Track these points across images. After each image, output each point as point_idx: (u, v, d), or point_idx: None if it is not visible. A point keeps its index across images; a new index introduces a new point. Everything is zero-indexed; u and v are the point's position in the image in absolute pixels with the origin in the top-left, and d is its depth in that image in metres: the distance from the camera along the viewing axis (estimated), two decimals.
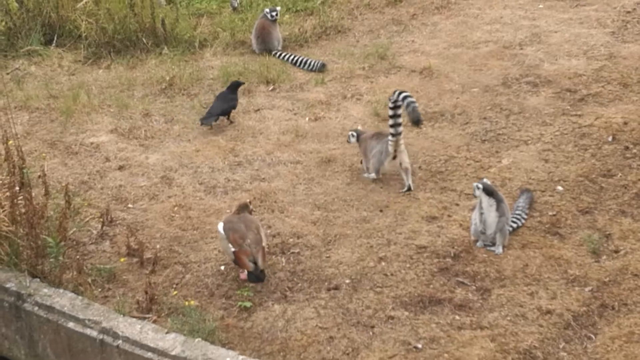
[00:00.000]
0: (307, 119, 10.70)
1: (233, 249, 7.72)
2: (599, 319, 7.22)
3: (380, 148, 9.09)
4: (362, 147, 9.38)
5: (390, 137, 8.92)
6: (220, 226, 7.92)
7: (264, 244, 7.81)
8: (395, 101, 8.85)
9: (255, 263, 7.65)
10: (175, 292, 7.77)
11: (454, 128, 10.27)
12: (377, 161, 9.12)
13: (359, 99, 11.11)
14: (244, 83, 11.12)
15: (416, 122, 9.60)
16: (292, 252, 8.20)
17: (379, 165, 9.16)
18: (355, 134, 9.46)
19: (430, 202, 8.79)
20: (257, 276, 7.69)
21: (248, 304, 7.52)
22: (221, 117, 10.60)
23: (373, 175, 9.25)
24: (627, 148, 9.48)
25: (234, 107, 10.73)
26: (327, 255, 8.16)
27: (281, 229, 8.53)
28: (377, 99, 10.89)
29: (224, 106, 10.65)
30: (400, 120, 8.91)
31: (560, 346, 6.97)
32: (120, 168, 9.76)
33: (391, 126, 8.92)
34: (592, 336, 7.05)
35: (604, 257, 7.90)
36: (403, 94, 8.98)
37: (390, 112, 8.89)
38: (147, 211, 8.94)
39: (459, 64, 11.91)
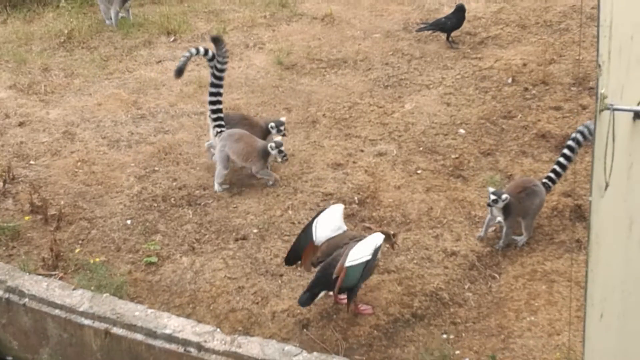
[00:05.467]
0: (209, 69, 10.59)
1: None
2: (502, 259, 7.36)
3: None
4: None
5: None
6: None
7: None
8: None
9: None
10: (80, 249, 7.70)
11: (356, 74, 10.30)
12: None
13: (261, 47, 11.05)
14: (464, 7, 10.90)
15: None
16: (199, 204, 8.17)
17: None
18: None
19: (335, 149, 8.82)
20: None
21: (154, 259, 7.49)
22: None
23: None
24: (526, 89, 9.63)
25: (456, 28, 10.76)
26: (234, 205, 8.15)
27: (187, 181, 8.48)
28: (279, 48, 10.86)
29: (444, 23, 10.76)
30: None
31: (466, 287, 7.10)
32: (21, 124, 9.57)
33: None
34: (497, 276, 7.19)
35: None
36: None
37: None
38: (49, 167, 8.80)
39: (360, 10, 11.93)
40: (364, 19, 11.67)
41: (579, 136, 7.58)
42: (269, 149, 8.19)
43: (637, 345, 5.31)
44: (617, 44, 3.99)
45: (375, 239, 6.74)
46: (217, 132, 8.45)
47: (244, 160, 8.32)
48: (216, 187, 8.36)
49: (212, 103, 8.46)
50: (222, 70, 8.43)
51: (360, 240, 6.79)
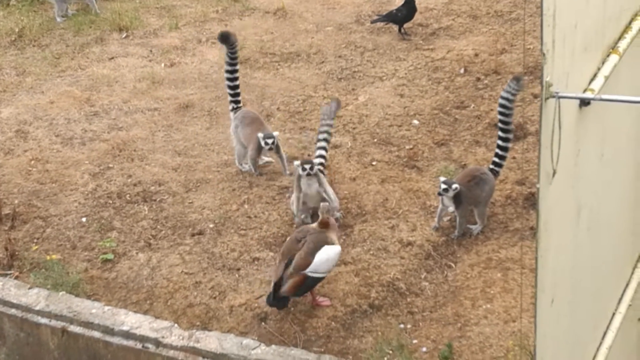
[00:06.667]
0: (162, 65, 10.60)
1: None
2: (458, 248, 7.42)
3: None
4: None
5: None
6: None
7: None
8: None
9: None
10: (36, 247, 7.67)
11: (310, 68, 10.32)
12: None
13: (214, 42, 11.02)
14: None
15: None
16: (154, 200, 8.17)
17: None
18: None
19: (290, 143, 8.83)
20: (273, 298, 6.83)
21: (110, 256, 7.48)
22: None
23: None
24: (478, 79, 9.69)
25: (407, 20, 10.79)
26: (190, 201, 8.15)
27: (142, 177, 8.47)
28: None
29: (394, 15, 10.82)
30: None
31: (422, 276, 7.15)
32: None
33: None
34: (452, 264, 7.24)
35: None
36: None
37: None
38: (2, 167, 8.75)
39: (312, 3, 11.93)
40: (317, 12, 11.68)
41: (503, 110, 7.50)
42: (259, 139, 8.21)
43: (587, 330, 5.39)
44: (561, 33, 4.04)
45: (337, 250, 6.82)
46: (234, 108, 8.60)
47: (247, 143, 8.37)
48: (238, 165, 8.54)
49: (229, 79, 8.61)
50: (233, 56, 8.58)
51: (320, 239, 6.80)
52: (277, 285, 6.71)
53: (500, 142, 7.64)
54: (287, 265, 6.75)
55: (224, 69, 8.65)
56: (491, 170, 7.68)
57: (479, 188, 7.49)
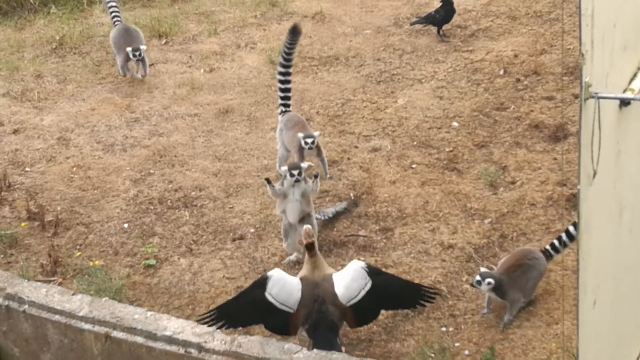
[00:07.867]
0: (202, 70, 10.65)
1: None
2: (499, 250, 7.38)
3: None
4: None
5: None
6: None
7: None
8: None
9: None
10: (79, 253, 7.73)
11: (349, 71, 10.32)
12: None
13: (252, 47, 11.08)
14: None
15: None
16: (195, 205, 8.20)
17: None
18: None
19: (329, 147, 8.83)
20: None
21: (152, 262, 7.52)
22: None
23: None
24: (518, 80, 9.65)
25: (446, 21, 10.81)
26: (231, 206, 8.18)
27: (183, 183, 8.51)
28: (271, 47, 10.87)
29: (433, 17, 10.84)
30: None
31: (464, 279, 7.12)
32: (15, 132, 9.60)
33: None
34: (494, 267, 7.19)
35: (501, 189, 8.06)
36: None
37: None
38: (45, 174, 8.83)
39: (350, 6, 11.95)
40: (355, 15, 11.69)
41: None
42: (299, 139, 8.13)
43: (630, 332, 5.35)
44: (600, 32, 4.01)
45: (356, 266, 6.57)
46: (282, 111, 8.56)
47: (290, 147, 8.34)
48: (279, 169, 8.32)
49: (281, 82, 8.59)
50: (290, 54, 8.55)
51: (327, 283, 6.53)
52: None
53: (571, 228, 6.88)
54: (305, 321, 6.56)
55: (277, 70, 8.67)
56: (545, 251, 6.95)
57: (524, 277, 6.78)
